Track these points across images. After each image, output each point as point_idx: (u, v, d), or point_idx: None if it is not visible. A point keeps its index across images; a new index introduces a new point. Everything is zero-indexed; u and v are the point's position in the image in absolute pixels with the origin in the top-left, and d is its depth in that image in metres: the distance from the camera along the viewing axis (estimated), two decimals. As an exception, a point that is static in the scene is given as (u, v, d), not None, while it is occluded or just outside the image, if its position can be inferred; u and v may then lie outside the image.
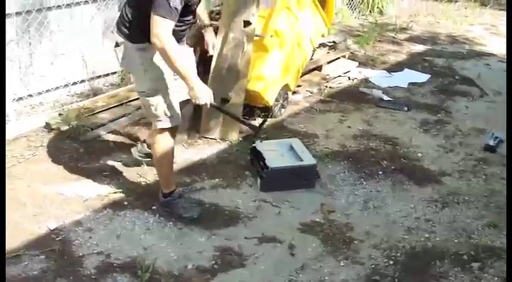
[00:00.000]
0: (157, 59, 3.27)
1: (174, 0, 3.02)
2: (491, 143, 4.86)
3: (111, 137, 4.62)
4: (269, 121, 4.98)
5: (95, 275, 3.08)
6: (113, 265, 3.17)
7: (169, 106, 3.42)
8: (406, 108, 5.62)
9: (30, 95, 4.98)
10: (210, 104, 3.35)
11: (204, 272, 3.16)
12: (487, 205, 3.99)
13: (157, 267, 3.16)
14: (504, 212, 3.88)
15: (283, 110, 5.25)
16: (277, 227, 3.61)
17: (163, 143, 3.52)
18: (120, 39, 3.39)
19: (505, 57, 7.91)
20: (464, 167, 4.54)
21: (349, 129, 5.07)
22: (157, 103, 3.39)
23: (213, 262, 3.24)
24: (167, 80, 3.38)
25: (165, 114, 3.42)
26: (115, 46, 3.43)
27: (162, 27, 3.05)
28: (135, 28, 3.29)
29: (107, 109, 4.98)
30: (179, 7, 3.08)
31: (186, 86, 3.25)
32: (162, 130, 3.49)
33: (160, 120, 3.45)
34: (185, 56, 3.40)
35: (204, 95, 3.27)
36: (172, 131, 3.53)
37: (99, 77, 5.51)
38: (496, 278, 3.24)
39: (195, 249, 3.33)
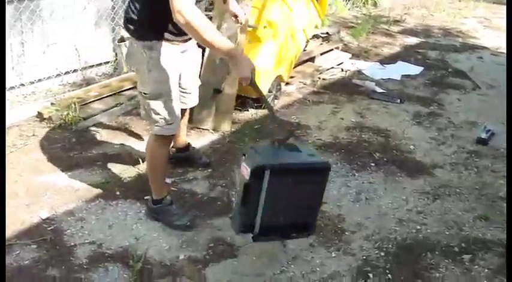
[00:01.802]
0: (164, 60, 3.09)
1: None
2: (483, 135, 4.88)
3: (103, 127, 4.61)
4: (261, 112, 4.99)
5: (86, 264, 3.07)
6: (105, 255, 3.16)
7: (170, 113, 3.23)
8: (398, 101, 5.63)
9: (22, 84, 4.97)
10: (252, 81, 2.93)
11: (196, 262, 3.16)
12: (478, 198, 4.01)
13: (149, 257, 3.15)
14: (495, 205, 3.92)
15: (276, 101, 5.25)
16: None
17: (158, 149, 3.36)
18: (126, 34, 3.22)
19: (498, 50, 7.97)
20: (456, 159, 4.56)
21: (342, 120, 5.08)
22: (157, 108, 3.20)
23: (205, 252, 3.24)
24: (171, 85, 3.18)
25: (165, 121, 3.23)
26: (119, 41, 3.26)
27: (183, 2, 2.72)
28: (142, 24, 3.08)
29: (100, 99, 4.96)
30: None
31: (228, 59, 2.93)
32: (159, 136, 3.32)
33: (158, 126, 3.26)
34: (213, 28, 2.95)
35: (247, 68, 2.88)
36: (169, 138, 3.39)
37: (91, 66, 5.50)
38: (487, 270, 3.25)
39: (187, 240, 3.33)
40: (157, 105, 3.20)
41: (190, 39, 3.21)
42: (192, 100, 3.62)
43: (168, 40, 3.09)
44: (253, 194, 2.76)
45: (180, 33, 3.05)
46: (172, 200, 3.51)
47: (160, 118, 3.23)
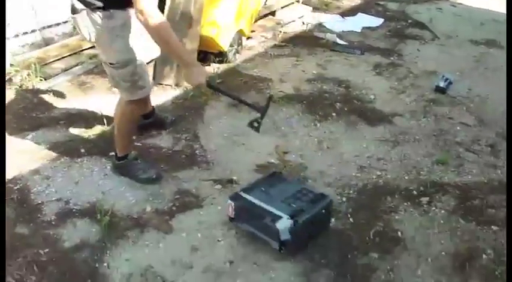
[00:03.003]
0: (125, 27, 2.99)
1: None
2: (442, 84, 4.99)
3: (65, 87, 4.59)
4: (224, 66, 5.02)
5: (54, 221, 3.11)
6: (72, 211, 3.20)
7: (141, 77, 3.15)
8: (359, 52, 5.70)
9: (-20, 46, 4.88)
10: (208, 84, 3.04)
11: (163, 213, 3.22)
12: (436, 143, 4.13)
13: (116, 211, 3.21)
14: (452, 150, 4.06)
15: (237, 55, 5.27)
16: (233, 169, 3.67)
17: (130, 114, 3.31)
18: (80, 5, 2.98)
19: (457, 1, 8.08)
20: (415, 107, 4.67)
21: (304, 73, 5.13)
22: (127, 75, 3.11)
23: (171, 204, 3.30)
24: (135, 47, 3.06)
25: (135, 86, 3.16)
26: (72, 13, 3.14)
27: (144, 3, 2.71)
28: None
29: (60, 59, 4.92)
30: None
31: (181, 65, 3.02)
32: (132, 101, 3.25)
33: (128, 92, 3.20)
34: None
35: (201, 75, 2.99)
36: (142, 100, 3.32)
37: (50, 26, 5.40)
38: (443, 211, 3.38)
39: (153, 193, 3.39)
40: (126, 73, 3.11)
41: None
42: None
43: (125, 6, 2.97)
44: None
45: None
46: (137, 155, 3.54)
47: (132, 85, 3.16)
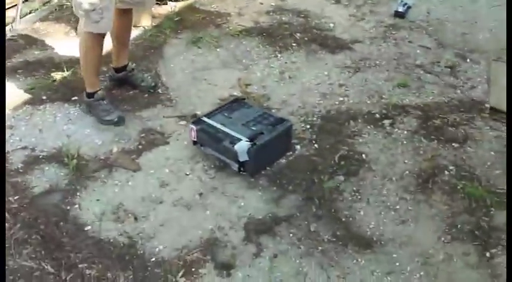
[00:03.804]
0: None
1: None
2: (401, 9, 4.99)
3: (20, 35, 4.49)
4: (180, 4, 4.95)
5: (22, 168, 3.13)
6: (39, 157, 3.21)
7: (97, 11, 3.13)
8: (317, -18, 5.64)
9: None
10: None
11: (130, 152, 3.25)
12: (397, 67, 4.17)
13: (83, 153, 3.22)
14: (413, 73, 4.09)
15: (194, -8, 5.19)
16: (196, 104, 3.69)
17: (90, 50, 3.34)
18: None
19: None
20: (374, 33, 4.67)
21: (262, 5, 5.08)
22: (82, 3, 3.11)
23: (137, 143, 3.33)
24: None
25: (88, 17, 3.15)
26: None
27: None
28: None
29: (12, 7, 4.79)
30: None
31: None
32: (89, 35, 3.26)
33: (83, 22, 3.21)
34: None
35: None
36: (99, 37, 3.29)
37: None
38: (406, 132, 3.46)
39: (119, 133, 3.40)
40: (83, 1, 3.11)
41: None
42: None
43: None
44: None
45: None
46: (104, 96, 3.54)
47: (86, 15, 3.15)
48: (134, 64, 3.91)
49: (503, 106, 3.55)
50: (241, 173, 3.05)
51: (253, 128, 3.13)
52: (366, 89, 3.90)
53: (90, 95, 3.51)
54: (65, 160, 3.13)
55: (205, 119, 3.23)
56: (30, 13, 4.78)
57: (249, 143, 3.01)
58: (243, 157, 2.98)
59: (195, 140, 3.19)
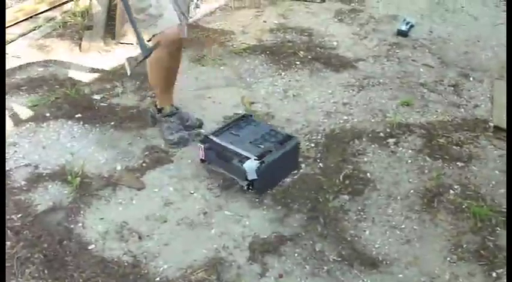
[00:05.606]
0: None
1: None
2: (404, 28, 5.01)
3: (24, 52, 4.50)
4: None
5: (25, 186, 3.10)
6: (43, 175, 3.19)
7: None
8: (319, 0, 5.67)
9: None
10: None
11: (134, 171, 3.23)
12: (401, 86, 4.17)
13: (87, 171, 3.20)
14: (416, 91, 4.10)
15: (198, 9, 5.20)
16: (200, 122, 3.68)
17: (156, 58, 3.19)
18: None
19: None
20: (378, 52, 4.69)
21: (265, 23, 5.10)
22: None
23: (141, 161, 3.31)
24: None
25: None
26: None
27: None
28: None
29: (15, 24, 4.81)
30: None
31: None
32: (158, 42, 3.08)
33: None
34: None
35: None
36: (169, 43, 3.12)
37: (3, -10, 5.27)
38: (410, 151, 3.45)
39: (122, 151, 3.39)
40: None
41: None
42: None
43: None
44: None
45: None
46: (172, 112, 3.47)
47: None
48: (138, 82, 3.91)
49: (505, 125, 3.56)
50: (249, 191, 3.04)
51: (261, 146, 3.14)
52: (370, 107, 3.89)
53: (159, 111, 3.50)
54: (69, 178, 3.11)
55: (213, 137, 3.22)
56: (34, 30, 4.79)
57: (257, 161, 3.00)
58: (252, 176, 2.98)
59: (203, 158, 3.19)
